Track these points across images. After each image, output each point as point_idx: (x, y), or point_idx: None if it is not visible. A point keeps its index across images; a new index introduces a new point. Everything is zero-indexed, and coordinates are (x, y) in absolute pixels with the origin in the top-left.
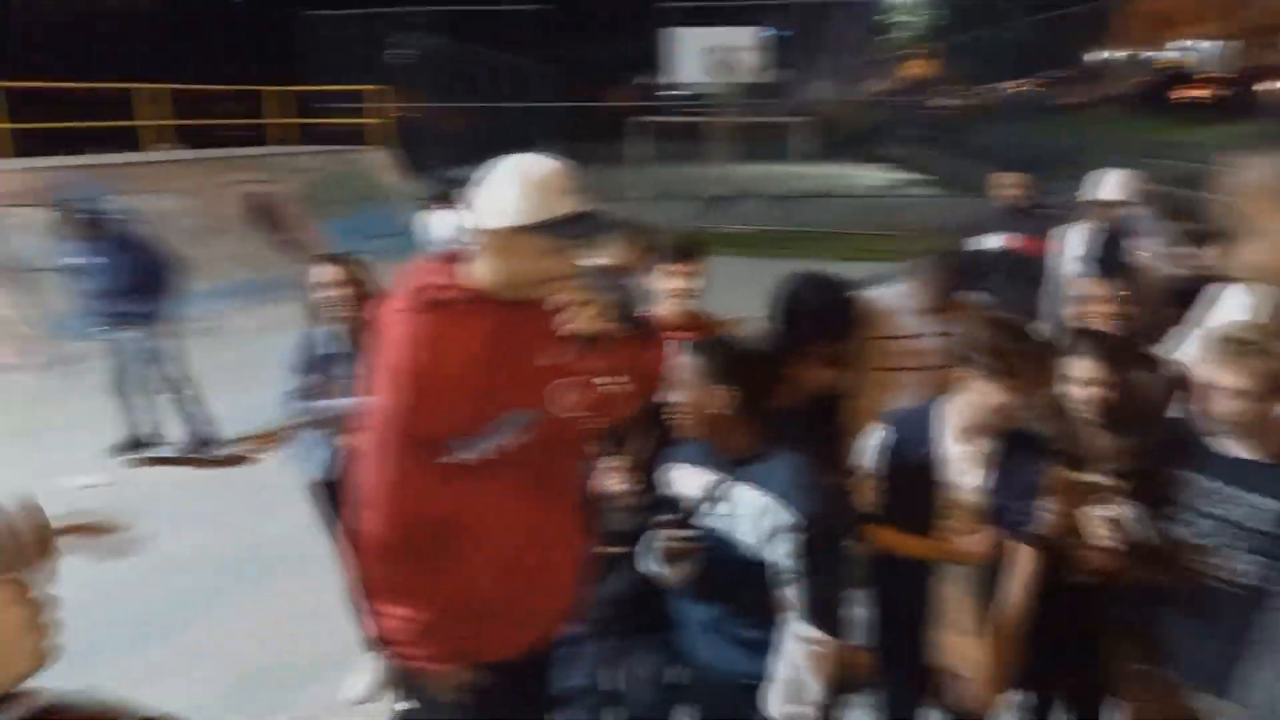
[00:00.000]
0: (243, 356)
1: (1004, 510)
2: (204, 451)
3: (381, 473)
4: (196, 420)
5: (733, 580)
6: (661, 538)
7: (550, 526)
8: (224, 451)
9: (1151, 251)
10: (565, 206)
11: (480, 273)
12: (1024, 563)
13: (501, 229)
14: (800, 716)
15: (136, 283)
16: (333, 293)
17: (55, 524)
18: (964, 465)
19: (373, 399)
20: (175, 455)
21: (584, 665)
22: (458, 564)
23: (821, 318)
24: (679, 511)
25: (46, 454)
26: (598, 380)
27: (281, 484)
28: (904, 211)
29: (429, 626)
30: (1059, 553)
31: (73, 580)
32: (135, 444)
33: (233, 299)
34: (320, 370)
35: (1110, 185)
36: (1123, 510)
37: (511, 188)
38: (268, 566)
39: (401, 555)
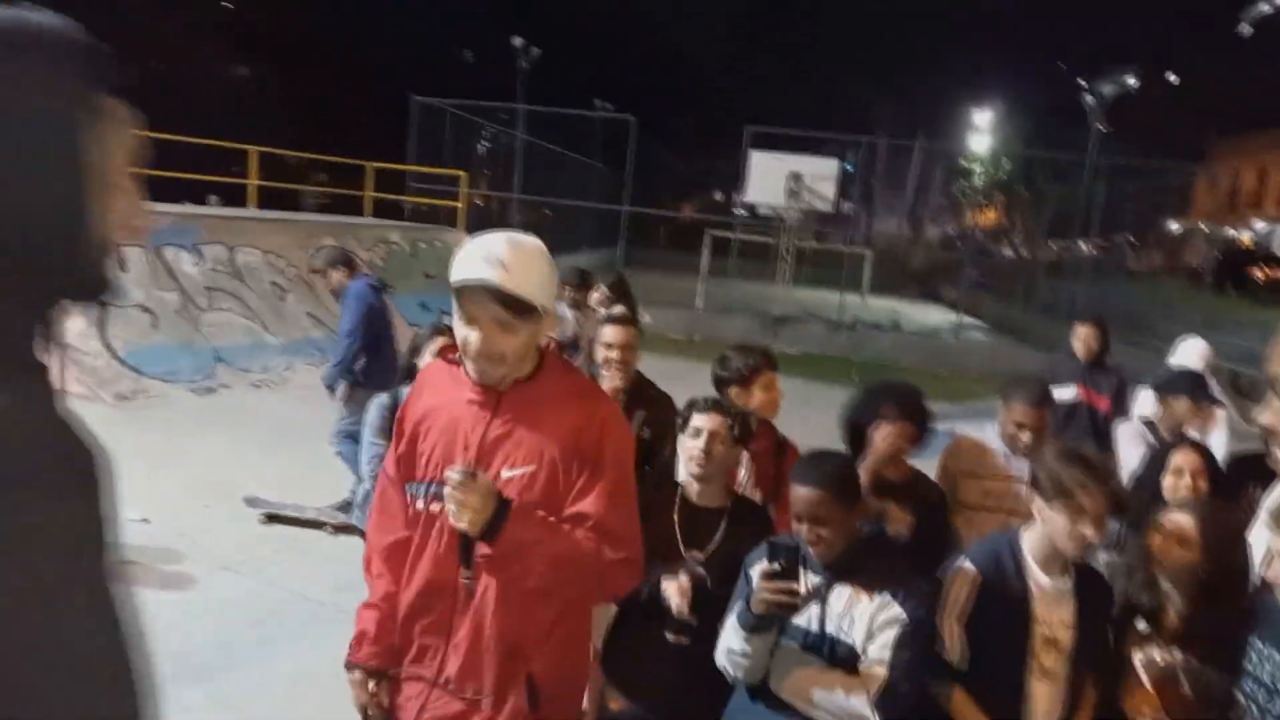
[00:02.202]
0: (303, 412)
1: (1083, 646)
2: (334, 516)
3: (374, 504)
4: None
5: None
6: (763, 588)
7: (464, 631)
8: (346, 520)
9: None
10: (478, 271)
11: None
12: (1090, 695)
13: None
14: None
15: (338, 344)
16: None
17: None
18: (1052, 599)
19: None
20: (309, 516)
21: None
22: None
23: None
24: (784, 562)
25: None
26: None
27: (333, 540)
28: (961, 353)
29: (363, 639)
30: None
31: None
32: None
33: (304, 355)
34: None
35: (1191, 353)
36: (1176, 659)
37: (462, 248)
38: (307, 621)
39: (373, 552)
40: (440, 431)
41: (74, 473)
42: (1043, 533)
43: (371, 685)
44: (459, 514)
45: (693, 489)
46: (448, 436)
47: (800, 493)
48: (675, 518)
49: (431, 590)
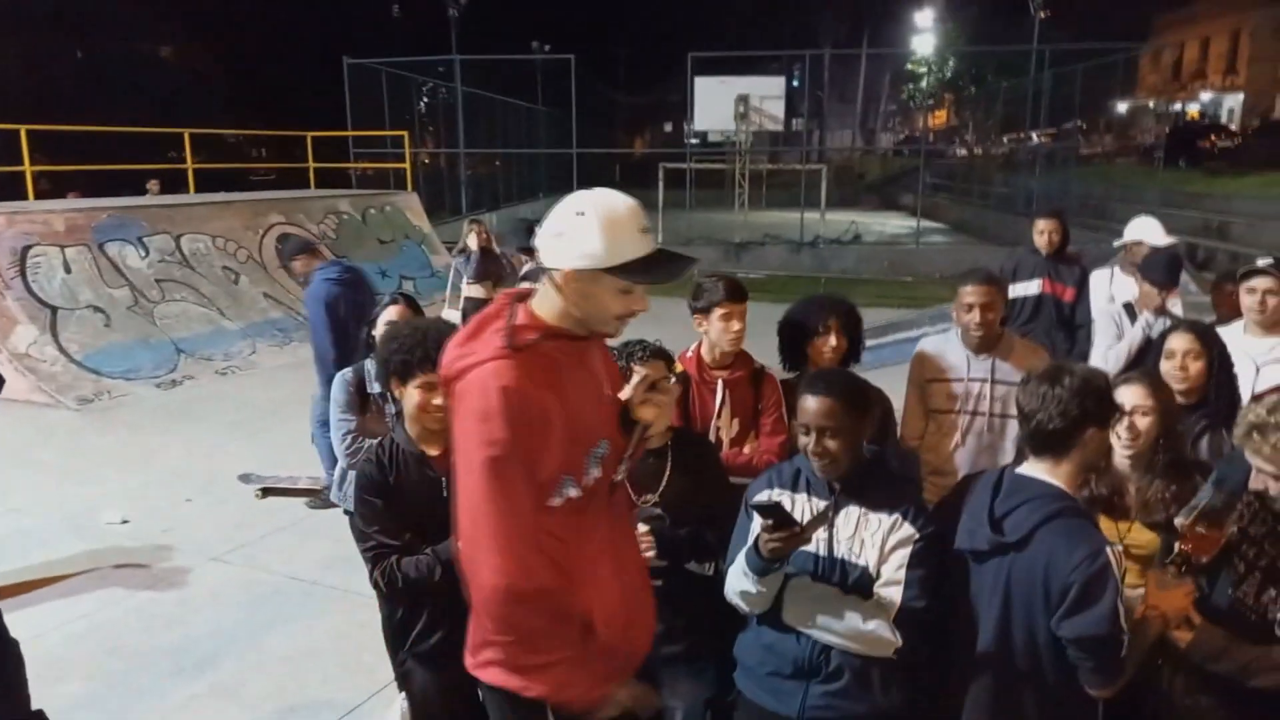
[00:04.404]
0: (277, 393)
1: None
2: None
3: (504, 521)
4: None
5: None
6: (766, 540)
7: (627, 550)
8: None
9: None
10: (644, 247)
11: (549, 309)
12: None
13: (583, 270)
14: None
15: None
16: None
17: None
18: None
19: (475, 450)
20: (303, 486)
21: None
22: (580, 598)
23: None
24: (774, 518)
25: (81, 491)
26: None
27: (313, 519)
28: (923, 258)
29: (576, 664)
30: None
31: (113, 612)
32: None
33: (265, 337)
34: (372, 407)
35: (1154, 229)
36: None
37: (592, 228)
38: (300, 602)
39: (538, 602)
40: (579, 402)
41: None
42: (1087, 461)
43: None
44: (665, 414)
45: None
46: (584, 401)
47: (810, 403)
48: None
49: (619, 535)
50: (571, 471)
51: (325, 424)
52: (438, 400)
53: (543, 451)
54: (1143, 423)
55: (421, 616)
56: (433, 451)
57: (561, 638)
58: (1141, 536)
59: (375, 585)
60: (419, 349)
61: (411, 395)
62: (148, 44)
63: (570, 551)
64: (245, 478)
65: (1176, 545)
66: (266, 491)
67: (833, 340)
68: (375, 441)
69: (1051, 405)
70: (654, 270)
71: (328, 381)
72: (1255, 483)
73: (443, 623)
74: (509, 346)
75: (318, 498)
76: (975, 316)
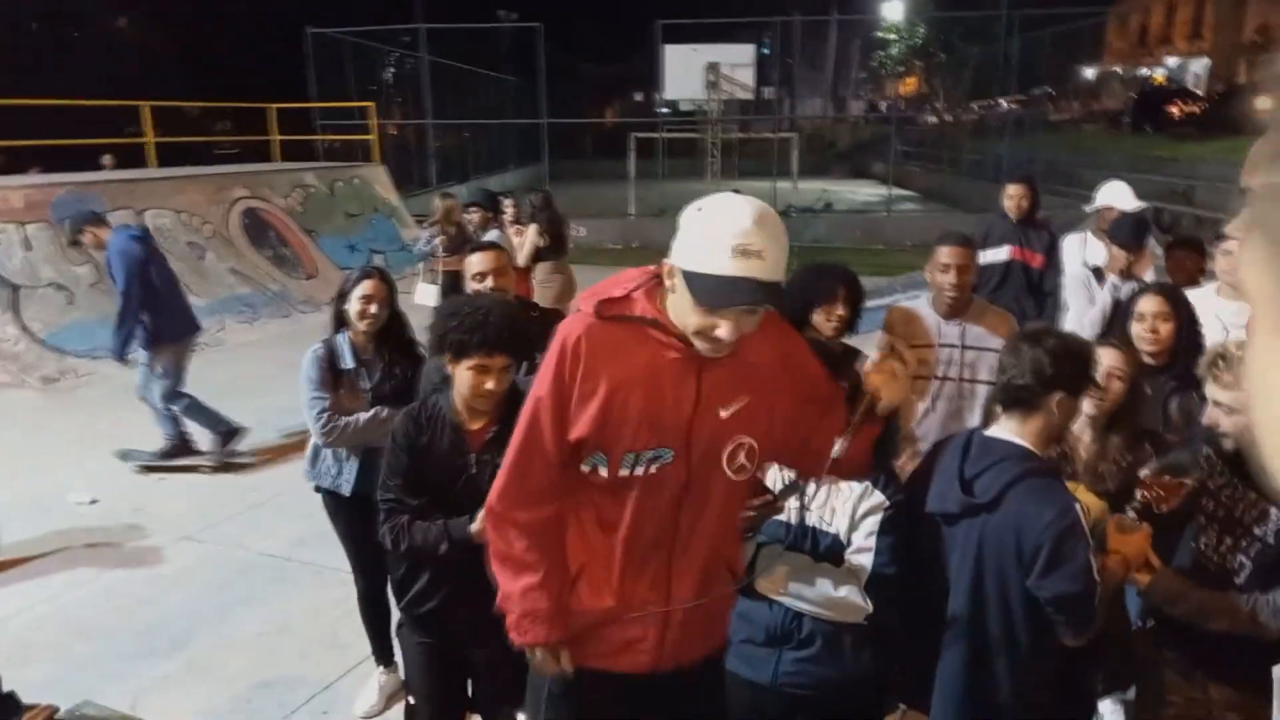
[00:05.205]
0: (243, 371)
1: None
2: (214, 459)
3: (519, 454)
4: (209, 424)
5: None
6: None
7: (684, 559)
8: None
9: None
10: (727, 267)
11: (669, 299)
12: None
13: (671, 265)
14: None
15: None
16: (371, 306)
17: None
18: None
19: (533, 387)
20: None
21: None
22: (575, 559)
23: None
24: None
25: (47, 471)
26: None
27: (285, 497)
28: (894, 226)
29: (523, 596)
30: None
31: (82, 592)
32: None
33: (233, 313)
34: (345, 384)
35: (1124, 194)
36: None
37: (698, 226)
38: (274, 579)
39: (509, 528)
40: (645, 397)
41: None
42: (1051, 425)
43: (564, 659)
44: (894, 387)
45: None
46: (653, 399)
47: None
48: None
49: (650, 541)
50: (605, 451)
51: (179, 394)
52: (489, 384)
53: (578, 416)
54: (1116, 386)
55: (422, 576)
56: (473, 425)
57: (521, 567)
58: (1085, 498)
59: (381, 538)
60: (479, 331)
61: (464, 375)
62: (104, 15)
63: (595, 516)
64: (124, 454)
65: (1139, 493)
66: (149, 468)
67: (840, 310)
68: (411, 407)
69: (1026, 362)
70: (709, 288)
71: (141, 338)
72: (1207, 418)
73: (445, 584)
74: (595, 312)
75: (207, 467)
76: (951, 277)
